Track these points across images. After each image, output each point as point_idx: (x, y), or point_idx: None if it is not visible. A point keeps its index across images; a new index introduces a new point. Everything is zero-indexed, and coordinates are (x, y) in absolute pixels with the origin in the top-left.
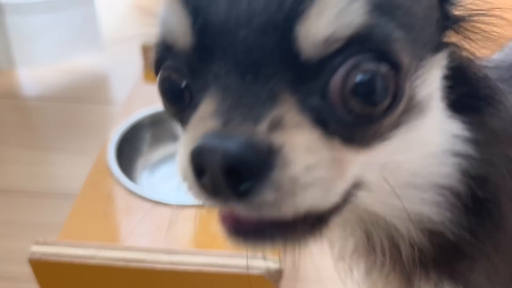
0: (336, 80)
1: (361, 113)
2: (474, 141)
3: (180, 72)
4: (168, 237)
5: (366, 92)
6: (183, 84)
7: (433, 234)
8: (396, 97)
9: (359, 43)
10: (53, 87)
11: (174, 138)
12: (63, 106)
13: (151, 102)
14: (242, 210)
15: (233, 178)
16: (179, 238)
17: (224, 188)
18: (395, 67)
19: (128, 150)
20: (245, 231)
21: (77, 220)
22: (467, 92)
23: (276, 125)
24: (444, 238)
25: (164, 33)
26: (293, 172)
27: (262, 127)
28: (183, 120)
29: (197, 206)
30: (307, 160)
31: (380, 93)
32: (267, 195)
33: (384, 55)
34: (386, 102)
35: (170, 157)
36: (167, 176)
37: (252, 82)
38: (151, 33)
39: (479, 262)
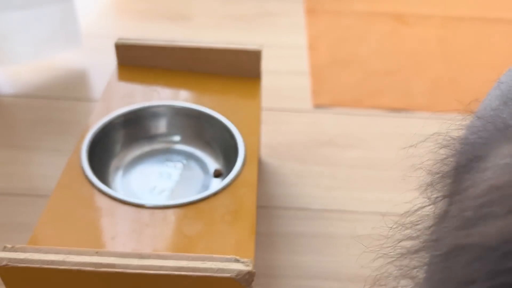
0: None
1: None
2: None
3: None
4: (142, 240)
5: None
6: None
7: None
8: None
9: None
10: (29, 84)
11: (148, 138)
12: (39, 103)
13: (126, 101)
14: None
15: None
16: (154, 241)
17: None
18: None
19: (101, 150)
20: None
21: (49, 223)
22: None
23: None
24: None
25: None
26: None
27: None
28: None
29: (172, 207)
30: None
31: None
32: None
33: None
34: None
35: (144, 157)
36: (141, 176)
37: None
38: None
39: None
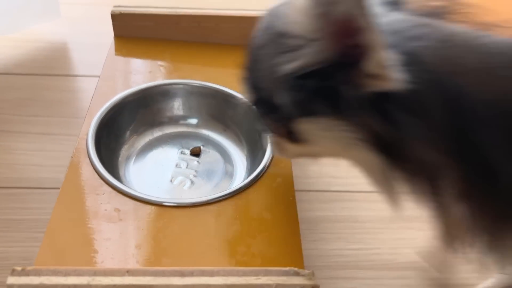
0: None
1: None
2: None
3: None
4: (172, 248)
5: None
6: None
7: None
8: None
9: None
10: (6, 60)
11: (160, 121)
12: (19, 81)
13: (130, 79)
14: None
15: None
16: (187, 250)
17: None
18: None
19: (109, 137)
20: None
21: (58, 233)
22: None
23: None
24: None
25: None
26: None
27: None
28: None
29: (200, 204)
30: None
31: None
32: None
33: None
34: None
35: (156, 143)
36: (156, 166)
37: None
38: None
39: None
